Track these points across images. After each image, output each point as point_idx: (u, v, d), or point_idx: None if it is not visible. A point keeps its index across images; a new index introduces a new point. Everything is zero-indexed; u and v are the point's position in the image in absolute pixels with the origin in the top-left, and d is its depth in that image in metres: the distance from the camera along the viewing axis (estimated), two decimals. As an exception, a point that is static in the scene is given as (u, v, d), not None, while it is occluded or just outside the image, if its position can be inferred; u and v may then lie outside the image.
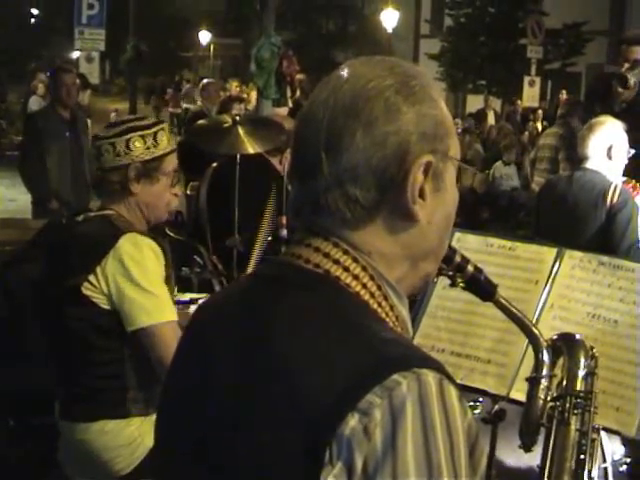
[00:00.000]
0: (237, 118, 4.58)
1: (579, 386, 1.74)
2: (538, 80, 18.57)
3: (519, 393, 2.15)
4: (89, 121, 8.11)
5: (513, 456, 3.87)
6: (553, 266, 2.36)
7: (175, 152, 2.70)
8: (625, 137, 4.20)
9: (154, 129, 2.62)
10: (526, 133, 15.94)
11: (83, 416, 2.58)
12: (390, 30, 27.01)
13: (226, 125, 4.49)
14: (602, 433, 2.29)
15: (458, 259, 1.49)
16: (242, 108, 8.22)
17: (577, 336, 1.84)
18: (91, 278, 2.50)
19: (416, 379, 0.97)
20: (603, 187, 4.14)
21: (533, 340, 1.71)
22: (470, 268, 1.51)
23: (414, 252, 1.16)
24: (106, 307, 2.51)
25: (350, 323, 1.06)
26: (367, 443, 0.94)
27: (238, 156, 4.51)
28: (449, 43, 25.51)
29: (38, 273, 2.77)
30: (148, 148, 2.60)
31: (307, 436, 0.97)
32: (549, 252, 2.40)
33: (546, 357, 1.70)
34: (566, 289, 2.33)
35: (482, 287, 1.57)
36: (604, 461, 3.02)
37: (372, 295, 1.12)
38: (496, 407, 2.26)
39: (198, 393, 1.13)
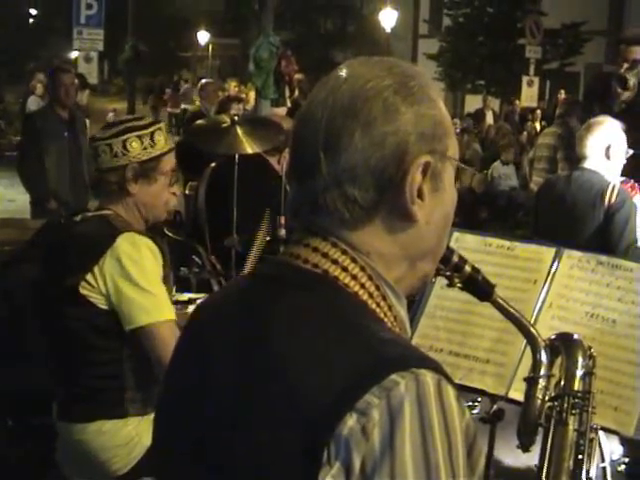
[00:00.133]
0: (235, 118, 4.59)
1: (577, 386, 1.74)
2: (536, 80, 18.56)
3: (517, 393, 2.15)
4: (87, 121, 8.12)
5: (511, 456, 3.87)
6: (552, 266, 2.36)
7: (173, 151, 2.70)
8: (623, 137, 4.21)
9: (151, 129, 2.62)
10: (524, 133, 15.96)
11: (81, 416, 2.58)
12: (389, 30, 27.01)
13: (224, 125, 4.50)
14: (600, 433, 2.29)
15: (456, 259, 1.49)
16: (240, 108, 8.23)
17: (575, 336, 1.84)
18: (89, 278, 2.50)
19: (414, 379, 0.97)
20: (601, 187, 4.14)
21: (531, 340, 1.71)
22: (467, 268, 1.51)
23: (412, 252, 1.16)
24: (104, 307, 2.51)
25: (348, 323, 1.06)
26: (365, 443, 0.94)
27: (237, 156, 4.51)
28: (447, 43, 25.53)
29: (37, 273, 2.77)
30: (145, 148, 2.59)
31: (305, 436, 0.97)
32: (548, 252, 2.40)
33: (544, 357, 1.70)
34: (564, 289, 2.33)
35: (480, 287, 1.56)
36: (602, 461, 3.03)
37: (370, 295, 1.12)
38: (494, 407, 2.26)
39: (196, 393, 1.13)
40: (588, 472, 1.71)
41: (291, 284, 1.11)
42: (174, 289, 3.35)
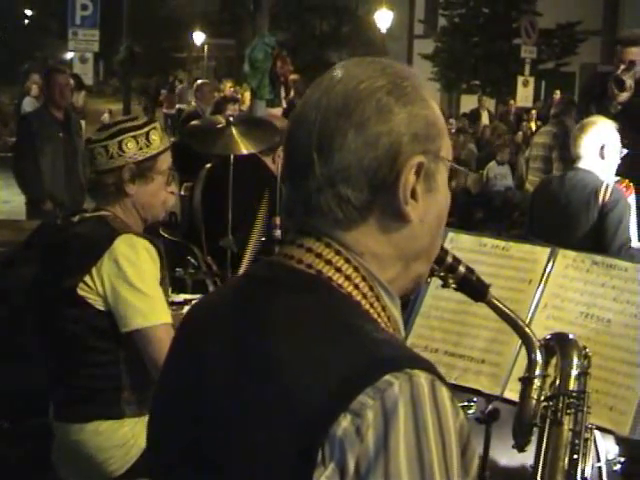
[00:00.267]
0: (231, 119, 4.58)
1: (572, 386, 1.74)
2: (532, 80, 18.58)
3: (513, 393, 2.14)
4: (83, 122, 8.11)
5: (507, 456, 3.86)
6: (547, 266, 2.36)
7: (169, 150, 2.70)
8: (617, 137, 4.22)
9: (146, 129, 2.62)
10: (520, 133, 15.94)
11: (78, 417, 2.58)
12: (384, 30, 26.99)
13: (220, 126, 4.49)
14: (596, 432, 2.29)
15: (450, 260, 1.49)
16: (236, 109, 8.22)
17: (570, 336, 1.84)
18: (86, 279, 2.50)
19: (408, 380, 0.97)
20: (595, 186, 4.15)
21: (525, 340, 1.71)
22: (462, 269, 1.51)
23: (406, 252, 1.16)
24: (101, 308, 2.51)
25: (342, 324, 1.06)
26: (359, 444, 0.95)
27: (232, 157, 4.51)
28: (443, 43, 25.52)
29: (33, 274, 2.77)
30: (141, 148, 2.59)
31: (300, 437, 0.97)
32: (542, 252, 2.40)
33: (539, 357, 1.70)
34: (559, 289, 2.33)
35: (474, 288, 1.56)
36: (598, 460, 3.02)
37: (364, 296, 1.12)
38: (490, 407, 2.26)
39: (192, 393, 1.13)
40: (583, 472, 1.71)
41: (285, 285, 1.11)
42: (170, 290, 3.35)
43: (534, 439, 1.74)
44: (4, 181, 11.58)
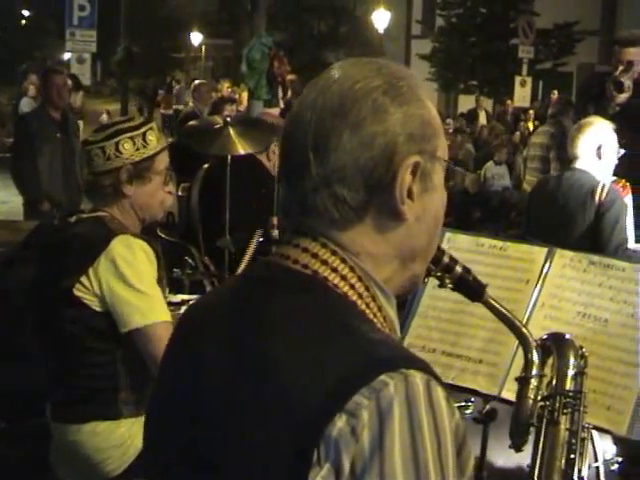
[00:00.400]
0: (228, 119, 4.58)
1: (569, 385, 1.74)
2: (529, 80, 18.57)
3: (510, 393, 2.14)
4: (81, 123, 8.10)
5: (504, 456, 3.87)
6: (544, 266, 2.36)
7: (166, 150, 2.70)
8: (615, 137, 4.22)
9: (143, 129, 2.61)
10: (517, 133, 15.96)
11: (75, 417, 2.58)
12: (381, 31, 26.98)
13: (217, 126, 4.50)
14: (594, 432, 2.29)
15: (446, 260, 1.49)
16: (233, 109, 8.24)
17: (566, 335, 1.85)
18: (83, 280, 2.50)
19: (403, 380, 0.97)
20: (591, 186, 4.16)
21: (522, 340, 1.71)
22: (458, 269, 1.51)
23: (403, 252, 1.16)
24: (98, 309, 2.51)
25: (338, 324, 1.06)
26: (354, 444, 0.95)
27: (229, 157, 4.51)
28: (440, 43, 25.52)
29: (30, 274, 2.77)
30: (138, 149, 2.59)
31: (296, 437, 0.97)
32: (540, 252, 2.40)
33: (535, 357, 1.70)
34: (557, 288, 2.33)
35: (471, 288, 1.56)
36: (596, 460, 3.03)
37: (360, 296, 1.12)
38: (487, 407, 2.26)
39: (189, 393, 1.13)
40: (580, 471, 1.71)
41: (281, 285, 1.11)
42: (167, 290, 3.34)
43: (531, 439, 1.74)
44: (1, 182, 11.58)
